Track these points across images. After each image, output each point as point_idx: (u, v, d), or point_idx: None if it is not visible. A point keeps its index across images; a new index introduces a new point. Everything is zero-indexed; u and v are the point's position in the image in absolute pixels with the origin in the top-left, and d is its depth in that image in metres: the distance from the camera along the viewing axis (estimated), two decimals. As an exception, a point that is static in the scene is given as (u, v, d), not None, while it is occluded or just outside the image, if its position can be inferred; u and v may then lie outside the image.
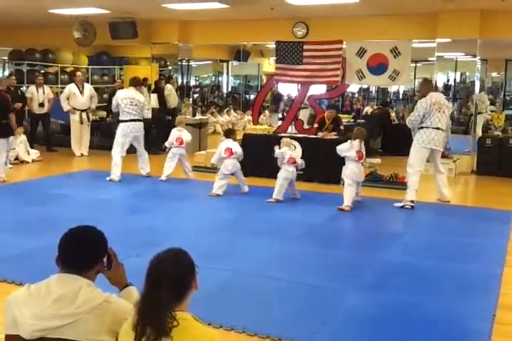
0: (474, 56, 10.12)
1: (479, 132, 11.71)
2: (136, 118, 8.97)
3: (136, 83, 9.38)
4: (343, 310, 4.04)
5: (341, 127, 9.56)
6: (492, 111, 14.84)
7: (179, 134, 8.80)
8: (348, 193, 7.13)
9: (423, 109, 7.37)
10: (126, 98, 8.99)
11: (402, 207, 7.24)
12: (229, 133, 8.18)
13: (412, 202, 7.26)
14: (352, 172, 7.21)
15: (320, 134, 9.37)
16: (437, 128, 7.34)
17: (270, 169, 7.62)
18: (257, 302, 4.19)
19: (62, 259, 2.20)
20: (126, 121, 8.94)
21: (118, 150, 8.87)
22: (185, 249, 2.14)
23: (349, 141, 7.33)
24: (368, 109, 14.98)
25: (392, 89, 19.60)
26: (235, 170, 7.80)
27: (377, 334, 3.66)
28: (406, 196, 7.30)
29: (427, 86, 7.76)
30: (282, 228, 6.25)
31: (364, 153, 7.31)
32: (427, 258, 5.23)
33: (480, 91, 12.73)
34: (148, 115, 9.17)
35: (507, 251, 5.52)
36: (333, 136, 9.30)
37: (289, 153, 7.52)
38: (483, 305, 4.14)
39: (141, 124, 9.09)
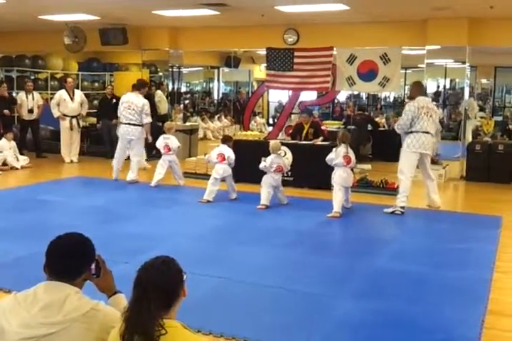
0: (463, 63, 10.19)
1: (469, 138, 11.77)
2: (130, 122, 9.17)
3: (139, 86, 9.55)
4: (334, 317, 4.03)
5: (323, 127, 9.52)
6: (481, 118, 14.93)
7: (165, 142, 8.79)
8: (337, 199, 7.13)
9: (411, 113, 7.37)
10: (125, 102, 9.31)
11: (392, 212, 7.26)
12: (226, 140, 8.16)
13: (402, 208, 7.28)
14: (340, 177, 7.21)
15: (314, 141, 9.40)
16: (427, 133, 7.36)
17: (261, 175, 7.62)
18: (247, 309, 4.17)
19: (50, 267, 2.19)
20: (121, 123, 9.33)
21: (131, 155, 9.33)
22: (175, 255, 2.14)
23: (334, 149, 7.36)
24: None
25: (383, 95, 19.67)
26: (225, 175, 7.79)
27: (368, 340, 3.67)
28: (397, 202, 7.31)
29: (418, 88, 7.73)
30: (272, 235, 6.23)
31: (352, 156, 7.31)
32: (417, 264, 5.24)
33: (469, 98, 12.81)
34: (146, 120, 9.23)
35: (496, 256, 5.53)
36: (319, 141, 9.29)
37: (276, 161, 7.53)
38: (472, 310, 4.14)
39: (134, 128, 9.23)
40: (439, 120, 7.84)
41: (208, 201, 7.69)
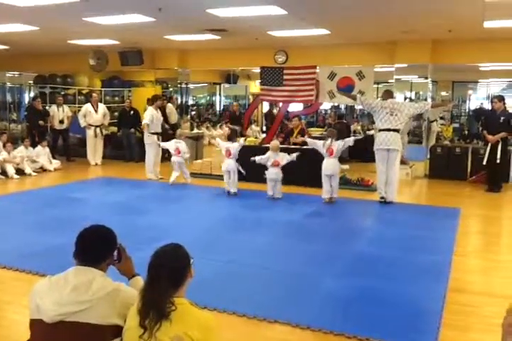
0: (426, 78, 10.20)
1: (433, 141, 11.73)
2: None
3: (152, 100, 9.87)
4: (320, 292, 4.03)
5: (306, 136, 9.40)
6: (442, 125, 14.94)
7: (177, 145, 8.80)
8: (323, 186, 7.33)
9: (374, 103, 7.47)
10: None
11: (380, 201, 7.41)
12: (231, 136, 8.22)
13: (381, 198, 7.35)
14: (323, 166, 7.35)
15: (287, 141, 9.34)
16: (388, 130, 7.27)
17: (259, 174, 7.63)
18: (245, 288, 4.16)
19: (78, 254, 2.18)
20: None
21: None
22: (184, 243, 2.12)
23: (323, 141, 7.48)
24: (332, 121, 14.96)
25: (359, 106, 19.67)
26: (229, 168, 7.82)
27: (348, 312, 3.66)
28: None
29: (387, 94, 7.71)
30: (268, 225, 6.23)
31: (335, 148, 7.31)
32: (388, 249, 5.24)
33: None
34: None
35: (456, 242, 5.54)
36: (302, 140, 9.16)
37: (274, 157, 7.56)
38: (436, 288, 4.15)
39: None
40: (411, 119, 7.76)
41: (235, 193, 7.79)
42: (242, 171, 7.87)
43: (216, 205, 7.46)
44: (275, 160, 7.55)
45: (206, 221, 6.40)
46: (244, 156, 7.92)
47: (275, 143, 7.89)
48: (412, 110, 7.44)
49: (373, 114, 7.52)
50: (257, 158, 7.61)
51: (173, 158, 8.81)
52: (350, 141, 7.41)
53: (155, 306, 1.90)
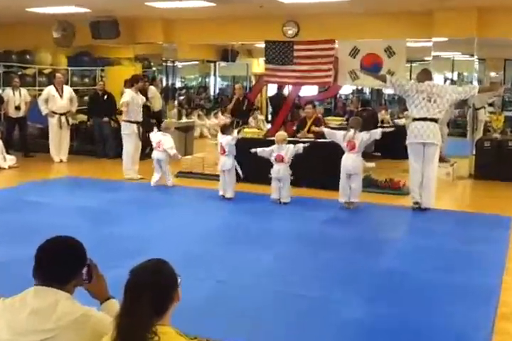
0: (472, 55, 10.19)
1: (480, 133, 11.71)
2: None
3: (132, 82, 9.76)
4: (336, 322, 4.02)
5: (322, 127, 9.43)
6: (491, 113, 14.90)
7: (160, 138, 8.82)
8: (340, 187, 7.40)
9: (408, 86, 7.37)
10: None
11: (413, 208, 7.40)
12: (225, 129, 8.17)
13: (415, 203, 7.33)
14: (342, 163, 7.40)
15: (299, 135, 9.34)
16: (424, 119, 7.22)
17: (263, 174, 7.64)
18: (245, 314, 4.16)
19: (39, 271, 2.19)
20: None
21: None
22: (168, 259, 2.13)
23: (344, 131, 7.52)
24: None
25: (387, 90, 19.67)
26: (224, 169, 7.86)
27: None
28: None
29: (424, 75, 7.57)
30: (271, 236, 6.23)
31: (357, 142, 7.32)
32: (423, 266, 5.23)
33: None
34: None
35: (507, 257, 5.54)
36: (317, 132, 9.17)
37: (277, 151, 7.59)
38: (481, 314, 4.14)
39: None
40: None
41: (229, 197, 7.82)
42: (240, 173, 7.87)
43: (208, 212, 7.47)
44: (278, 154, 7.55)
45: (196, 231, 6.40)
46: (244, 152, 7.96)
47: (281, 133, 7.90)
48: (454, 95, 7.40)
49: (406, 99, 7.48)
50: (259, 150, 7.64)
51: (153, 154, 8.83)
52: (377, 133, 7.41)
53: (133, 336, 1.90)
